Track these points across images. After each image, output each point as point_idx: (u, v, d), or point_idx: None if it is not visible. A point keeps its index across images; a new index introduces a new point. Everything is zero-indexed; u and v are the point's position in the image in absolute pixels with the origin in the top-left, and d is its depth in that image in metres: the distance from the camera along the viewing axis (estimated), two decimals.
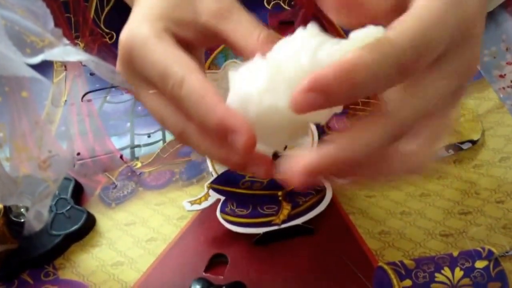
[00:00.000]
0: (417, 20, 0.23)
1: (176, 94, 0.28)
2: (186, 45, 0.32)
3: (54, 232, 0.39)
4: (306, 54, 0.24)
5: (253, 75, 0.25)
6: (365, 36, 0.23)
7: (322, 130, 0.45)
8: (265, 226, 0.37)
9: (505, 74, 0.49)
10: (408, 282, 0.35)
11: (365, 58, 0.21)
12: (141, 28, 0.30)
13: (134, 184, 0.44)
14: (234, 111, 0.25)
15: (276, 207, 0.38)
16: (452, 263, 0.36)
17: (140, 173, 0.44)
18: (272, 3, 0.57)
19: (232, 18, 0.31)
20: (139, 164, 0.45)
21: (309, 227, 0.38)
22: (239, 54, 0.31)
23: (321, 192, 0.39)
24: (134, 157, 0.45)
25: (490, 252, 0.36)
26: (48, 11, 0.29)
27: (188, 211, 0.39)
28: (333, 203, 0.39)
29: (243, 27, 0.31)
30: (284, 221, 0.38)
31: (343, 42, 0.24)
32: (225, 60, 0.51)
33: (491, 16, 0.52)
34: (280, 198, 0.39)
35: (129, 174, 0.44)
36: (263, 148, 0.26)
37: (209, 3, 0.32)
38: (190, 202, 0.39)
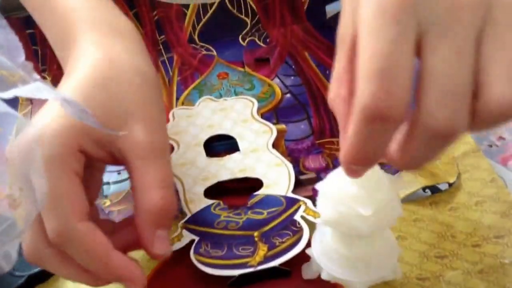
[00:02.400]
0: None
1: (60, 234, 0.30)
2: (89, 158, 0.33)
3: (17, 273, 0.37)
4: None
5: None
6: None
7: (299, 170, 0.44)
8: (240, 268, 0.36)
9: None
10: None
11: None
12: (54, 137, 0.31)
13: None
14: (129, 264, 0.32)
15: (252, 248, 0.37)
16: None
17: (109, 212, 0.42)
18: (247, 39, 0.57)
19: (149, 161, 0.32)
20: (108, 203, 0.43)
21: (286, 269, 0.37)
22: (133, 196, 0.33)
23: (298, 232, 0.38)
24: (102, 195, 0.44)
25: None
26: (20, 44, 0.28)
27: (151, 259, 0.38)
28: (310, 244, 0.38)
29: (151, 178, 0.32)
30: (260, 263, 0.36)
31: None
32: (200, 97, 0.51)
33: None
34: (256, 239, 0.38)
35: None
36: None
37: (137, 132, 0.32)
38: None
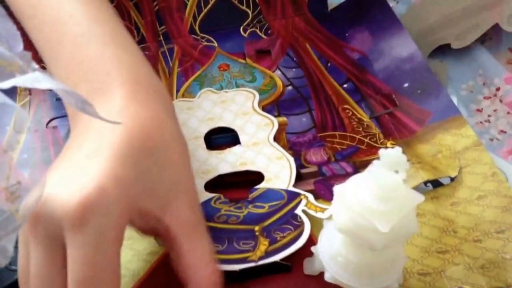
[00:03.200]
0: None
1: None
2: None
3: (13, 267, 0.36)
4: None
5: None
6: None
7: (300, 164, 0.44)
8: (241, 263, 0.36)
9: (482, 109, 0.50)
10: None
11: None
12: (112, 204, 0.28)
13: None
14: None
15: (253, 242, 0.37)
16: None
17: None
18: (248, 31, 0.56)
19: (195, 237, 0.32)
20: None
21: (287, 264, 0.37)
22: (180, 275, 0.32)
23: (299, 227, 0.38)
24: None
25: None
26: (18, 33, 0.27)
27: (160, 246, 0.38)
28: (311, 238, 0.38)
29: (199, 254, 0.31)
30: (261, 258, 0.36)
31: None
32: (200, 88, 0.50)
33: (468, 51, 0.53)
34: (257, 233, 0.38)
35: None
36: None
37: (182, 208, 0.32)
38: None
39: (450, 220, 0.40)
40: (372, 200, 0.29)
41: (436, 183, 0.42)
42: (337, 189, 0.31)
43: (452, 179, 0.42)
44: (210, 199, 0.40)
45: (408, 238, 0.30)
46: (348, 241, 0.32)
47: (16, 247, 0.36)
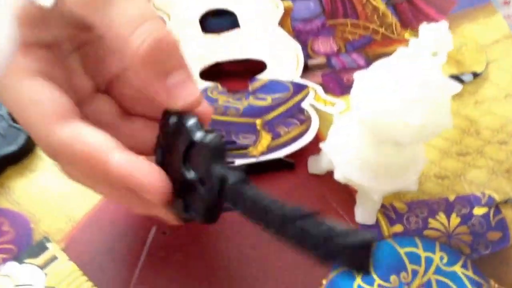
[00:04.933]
0: None
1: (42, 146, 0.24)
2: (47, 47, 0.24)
3: None
4: None
5: None
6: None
7: (307, 54, 0.39)
8: (240, 158, 0.32)
9: (509, 1, 0.44)
10: (398, 228, 0.31)
11: None
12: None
13: None
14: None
15: (254, 137, 0.33)
16: (448, 208, 0.32)
17: None
18: None
19: (109, 9, 0.22)
20: None
21: (290, 161, 0.33)
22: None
23: (305, 122, 0.34)
24: None
25: (490, 199, 0.32)
26: None
27: None
28: (318, 135, 0.33)
29: (123, 22, 0.22)
30: (262, 154, 0.32)
31: None
32: None
33: None
34: (258, 127, 0.33)
35: None
36: None
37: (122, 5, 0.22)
38: None
39: (472, 120, 0.36)
40: (402, 88, 0.24)
41: (458, 80, 0.37)
42: (359, 76, 0.26)
43: (476, 76, 0.38)
44: (206, 88, 0.35)
45: (439, 134, 0.25)
46: (367, 136, 0.27)
47: None
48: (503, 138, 0.34)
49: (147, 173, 0.22)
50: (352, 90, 0.27)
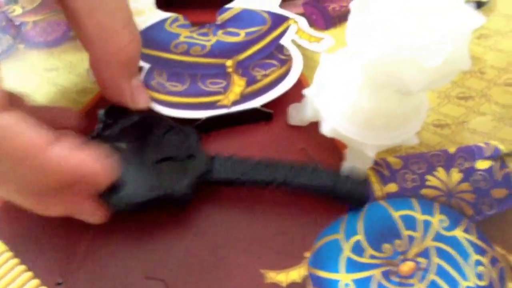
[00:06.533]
0: None
1: None
2: None
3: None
4: None
5: None
6: None
7: None
8: (208, 109, 0.27)
9: None
10: (393, 187, 0.27)
11: None
12: None
13: (11, 39, 0.30)
14: None
15: (225, 82, 0.27)
16: (448, 162, 0.28)
17: (21, 24, 0.30)
18: None
19: None
20: (18, 10, 0.31)
21: (268, 111, 0.28)
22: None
23: (286, 62, 0.28)
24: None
25: (496, 150, 0.28)
26: None
27: (93, 82, 0.28)
28: (301, 79, 0.28)
29: (107, 13, 0.24)
30: (235, 103, 0.27)
31: None
32: None
33: None
34: (229, 69, 0.28)
35: (4, 24, 0.30)
36: None
37: None
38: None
39: (476, 57, 0.31)
40: (417, 20, 0.19)
41: None
42: (358, 3, 0.20)
43: (481, 5, 0.32)
44: (164, 20, 0.29)
45: (453, 78, 0.21)
46: (364, 81, 0.22)
47: None
48: (510, 78, 0.30)
49: (95, 159, 0.22)
50: (349, 22, 0.21)
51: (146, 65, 0.27)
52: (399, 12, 0.19)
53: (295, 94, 0.28)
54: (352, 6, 0.21)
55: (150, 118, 0.26)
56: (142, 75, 0.27)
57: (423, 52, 0.19)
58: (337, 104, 0.24)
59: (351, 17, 0.21)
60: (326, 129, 0.25)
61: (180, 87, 0.27)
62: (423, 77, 0.19)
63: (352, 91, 0.23)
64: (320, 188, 0.25)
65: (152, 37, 0.29)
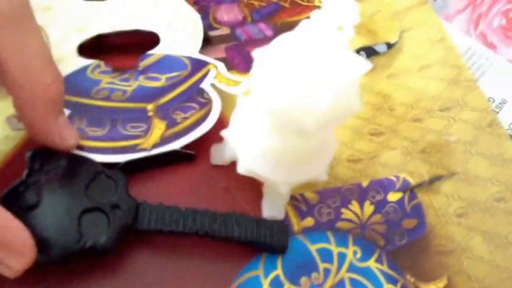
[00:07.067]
0: None
1: None
2: None
3: None
4: None
5: None
6: None
7: (208, 24, 0.34)
8: (128, 152, 0.27)
9: None
10: (309, 221, 0.29)
11: None
12: None
13: None
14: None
15: (145, 125, 0.28)
16: (361, 195, 0.30)
17: None
18: None
19: (13, 38, 0.23)
20: None
21: (189, 152, 0.29)
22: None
23: (206, 105, 0.29)
24: None
25: (405, 182, 0.30)
26: None
27: (15, 129, 0.28)
28: (221, 120, 0.29)
29: (31, 55, 0.24)
30: (155, 145, 0.28)
31: None
32: None
33: None
34: (150, 113, 0.29)
35: None
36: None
37: None
38: (18, 116, 0.28)
39: (386, 95, 0.33)
40: (305, 70, 0.20)
41: (371, 52, 0.35)
42: (258, 54, 0.22)
43: (390, 46, 0.35)
44: (85, 68, 0.30)
45: (347, 118, 0.22)
46: (269, 123, 0.24)
47: None
48: (417, 114, 0.32)
49: (21, 231, 0.22)
50: (252, 71, 0.23)
51: (66, 111, 0.28)
52: (294, 64, 0.21)
53: (216, 134, 0.29)
54: (254, 54, 0.22)
55: (77, 163, 0.26)
56: None
57: (313, 99, 0.20)
58: (250, 144, 0.25)
59: (253, 67, 0.22)
60: (241, 169, 0.26)
61: (100, 132, 0.28)
62: (314, 120, 0.21)
63: (262, 133, 0.25)
64: (242, 240, 0.26)
65: (74, 83, 0.29)
